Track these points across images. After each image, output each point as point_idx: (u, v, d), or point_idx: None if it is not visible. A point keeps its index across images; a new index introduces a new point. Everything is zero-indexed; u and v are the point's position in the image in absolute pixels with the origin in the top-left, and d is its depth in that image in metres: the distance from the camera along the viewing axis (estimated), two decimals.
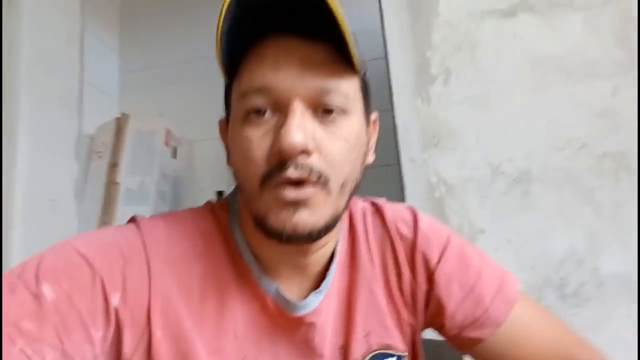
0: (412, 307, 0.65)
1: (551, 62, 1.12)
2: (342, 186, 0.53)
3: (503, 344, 0.64)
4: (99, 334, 0.48)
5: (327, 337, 0.60)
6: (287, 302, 0.57)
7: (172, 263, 0.55)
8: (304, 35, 0.51)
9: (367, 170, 0.58)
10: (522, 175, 1.09)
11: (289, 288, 0.59)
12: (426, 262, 0.65)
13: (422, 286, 0.65)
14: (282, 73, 0.50)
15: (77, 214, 1.55)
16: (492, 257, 1.07)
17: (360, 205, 0.68)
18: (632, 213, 1.03)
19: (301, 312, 0.57)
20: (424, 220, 0.68)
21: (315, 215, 0.51)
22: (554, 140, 1.09)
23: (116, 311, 0.49)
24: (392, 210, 0.69)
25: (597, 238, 1.04)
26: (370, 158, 0.61)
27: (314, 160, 0.50)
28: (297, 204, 0.50)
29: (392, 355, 0.63)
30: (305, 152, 0.49)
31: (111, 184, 1.49)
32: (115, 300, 0.50)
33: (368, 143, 0.59)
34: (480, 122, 1.12)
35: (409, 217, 0.68)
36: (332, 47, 0.51)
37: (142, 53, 1.78)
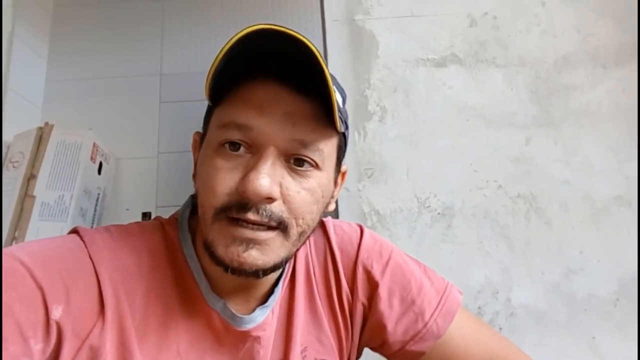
0: (350, 322, 0.66)
1: (474, 110, 1.23)
2: (301, 234, 0.55)
3: (442, 356, 0.65)
4: (39, 347, 0.47)
5: (269, 352, 0.60)
6: (233, 317, 0.57)
7: (118, 277, 0.54)
8: (292, 85, 0.52)
9: None
10: (445, 210, 1.17)
11: (236, 304, 0.59)
12: (368, 276, 0.66)
13: (362, 300, 0.66)
14: (266, 118, 0.51)
15: None
16: None
17: None
18: (539, 249, 1.14)
19: (247, 326, 0.58)
20: (368, 236, 0.69)
21: (266, 256, 0.52)
22: (475, 180, 1.19)
23: (57, 324, 0.48)
24: (336, 225, 0.70)
25: (510, 271, 1.13)
26: (331, 207, 0.62)
27: (276, 207, 0.51)
28: (249, 241, 0.51)
29: None
30: (269, 198, 0.50)
31: (26, 197, 1.39)
32: (56, 313, 0.48)
33: (332, 194, 0.60)
34: (410, 159, 1.20)
35: (353, 232, 0.70)
36: (317, 102, 0.52)
37: (72, 63, 1.69)
